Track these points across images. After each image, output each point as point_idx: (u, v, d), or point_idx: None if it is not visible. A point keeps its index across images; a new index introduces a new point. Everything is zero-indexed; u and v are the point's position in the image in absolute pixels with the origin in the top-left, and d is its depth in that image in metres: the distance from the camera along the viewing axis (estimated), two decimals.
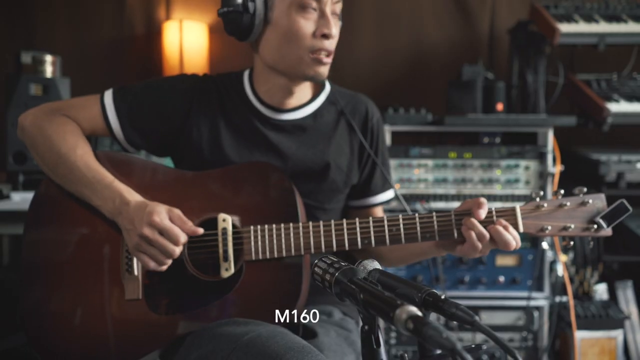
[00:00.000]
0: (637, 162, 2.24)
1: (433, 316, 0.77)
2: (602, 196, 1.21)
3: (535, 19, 2.47)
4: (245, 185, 1.30)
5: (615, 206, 1.19)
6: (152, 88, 1.40)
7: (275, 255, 1.23)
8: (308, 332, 1.25)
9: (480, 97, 2.40)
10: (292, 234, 1.23)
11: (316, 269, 0.87)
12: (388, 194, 1.51)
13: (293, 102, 1.40)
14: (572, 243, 1.23)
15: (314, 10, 1.28)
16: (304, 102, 1.42)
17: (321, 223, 1.24)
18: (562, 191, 1.21)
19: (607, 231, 1.20)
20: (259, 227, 1.24)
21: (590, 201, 1.20)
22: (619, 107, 2.31)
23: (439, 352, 0.75)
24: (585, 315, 2.28)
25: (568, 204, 1.20)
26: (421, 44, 2.89)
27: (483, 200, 1.20)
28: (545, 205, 1.20)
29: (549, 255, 2.25)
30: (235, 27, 1.30)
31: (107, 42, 2.91)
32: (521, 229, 1.20)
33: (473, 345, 0.79)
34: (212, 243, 1.24)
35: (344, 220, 1.24)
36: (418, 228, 1.22)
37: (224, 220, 1.24)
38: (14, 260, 2.60)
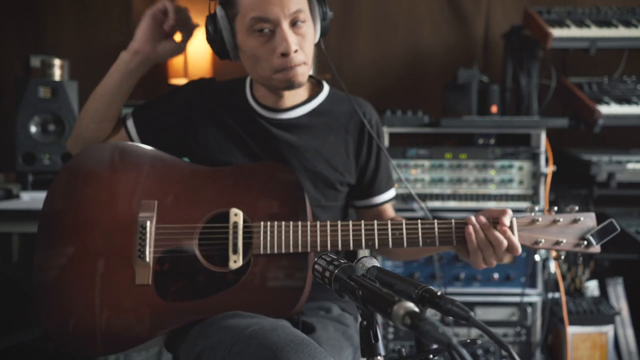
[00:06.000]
0: (627, 162, 2.26)
1: (430, 312, 0.81)
2: (592, 215, 1.26)
3: (528, 24, 2.49)
4: (258, 183, 1.34)
5: (605, 225, 1.24)
6: (162, 100, 1.50)
7: (283, 251, 1.27)
8: (307, 327, 1.29)
9: (475, 100, 2.41)
10: (300, 232, 1.27)
11: (316, 266, 0.89)
12: (392, 192, 1.55)
13: (287, 102, 1.45)
14: (562, 257, 1.27)
15: (269, 31, 1.30)
16: (298, 102, 1.46)
17: (328, 223, 1.28)
18: (556, 208, 1.26)
19: (596, 248, 1.24)
20: (268, 223, 1.28)
21: (582, 219, 1.25)
22: (609, 109, 2.33)
23: (435, 346, 0.77)
24: (577, 311, 2.30)
25: (561, 220, 1.25)
26: (418, 48, 2.90)
27: (509, 210, 1.23)
28: (540, 219, 1.25)
29: (542, 253, 2.26)
30: (216, 51, 1.39)
31: (114, 46, 2.85)
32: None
33: (468, 340, 0.80)
34: (223, 236, 1.29)
35: (350, 222, 1.28)
36: (420, 234, 1.26)
37: (235, 214, 1.28)
38: (23, 258, 2.62)
